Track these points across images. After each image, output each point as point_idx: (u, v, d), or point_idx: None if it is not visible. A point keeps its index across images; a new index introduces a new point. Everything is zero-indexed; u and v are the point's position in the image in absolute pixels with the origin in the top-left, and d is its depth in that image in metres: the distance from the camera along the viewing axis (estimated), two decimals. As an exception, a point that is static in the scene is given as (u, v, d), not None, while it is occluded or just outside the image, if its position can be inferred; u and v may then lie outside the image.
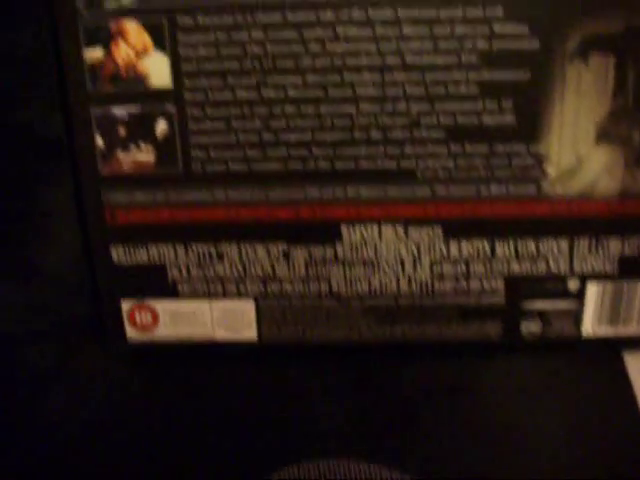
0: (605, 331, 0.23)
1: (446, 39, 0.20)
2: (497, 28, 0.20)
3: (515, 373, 0.24)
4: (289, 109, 0.21)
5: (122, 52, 0.20)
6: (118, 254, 0.23)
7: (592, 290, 0.22)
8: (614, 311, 0.23)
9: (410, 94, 0.20)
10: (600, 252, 0.22)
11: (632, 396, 0.22)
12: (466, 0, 0.19)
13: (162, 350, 0.24)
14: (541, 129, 0.21)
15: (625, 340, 0.23)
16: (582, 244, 0.22)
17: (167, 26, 0.20)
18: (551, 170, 0.21)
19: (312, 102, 0.21)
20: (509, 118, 0.20)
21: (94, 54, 0.20)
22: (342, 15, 0.20)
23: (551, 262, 0.22)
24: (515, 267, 0.22)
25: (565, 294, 0.22)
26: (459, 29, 0.20)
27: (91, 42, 0.20)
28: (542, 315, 0.23)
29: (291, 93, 0.21)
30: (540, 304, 0.23)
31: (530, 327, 0.23)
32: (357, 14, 0.20)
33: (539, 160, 0.21)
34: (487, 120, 0.21)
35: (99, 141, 0.21)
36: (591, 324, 0.23)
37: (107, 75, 0.20)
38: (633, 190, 0.21)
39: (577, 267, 0.22)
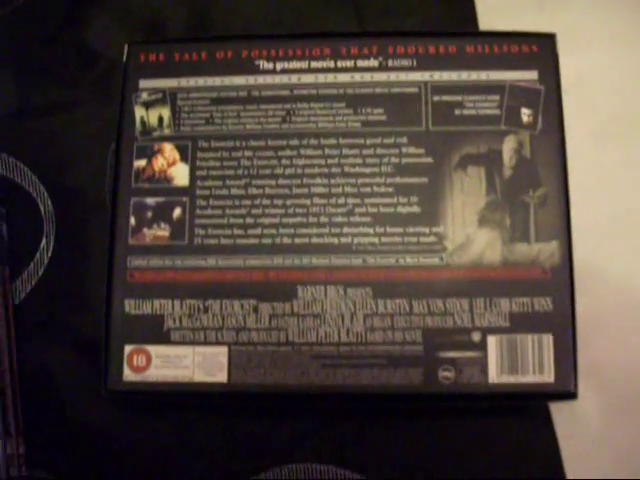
0: (508, 379, 0.41)
1: (371, 157, 0.44)
2: (404, 150, 0.44)
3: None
4: (265, 202, 0.44)
5: (159, 163, 0.45)
6: (130, 306, 0.44)
7: (492, 341, 0.42)
8: (512, 359, 0.42)
9: (347, 192, 0.44)
10: (494, 310, 0.42)
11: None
12: (383, 133, 0.44)
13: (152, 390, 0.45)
14: (439, 216, 0.43)
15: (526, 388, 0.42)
16: (479, 303, 0.42)
17: (191, 147, 0.46)
18: (449, 245, 0.43)
19: (281, 197, 0.44)
20: (416, 208, 0.43)
21: (140, 163, 0.45)
22: (303, 141, 0.45)
23: (456, 318, 0.42)
24: (429, 321, 0.42)
25: (471, 345, 0.42)
26: (379, 150, 0.44)
27: (139, 156, 0.46)
28: (454, 363, 0.42)
29: (267, 191, 0.44)
30: (452, 353, 0.42)
31: (445, 374, 0.42)
32: (313, 141, 0.45)
33: (439, 238, 0.43)
34: (401, 210, 0.44)
35: (132, 220, 0.45)
36: (496, 373, 0.42)
37: (146, 177, 0.45)
38: (512, 260, 0.43)
39: (477, 322, 0.42)
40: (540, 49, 0.45)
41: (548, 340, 0.42)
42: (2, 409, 0.47)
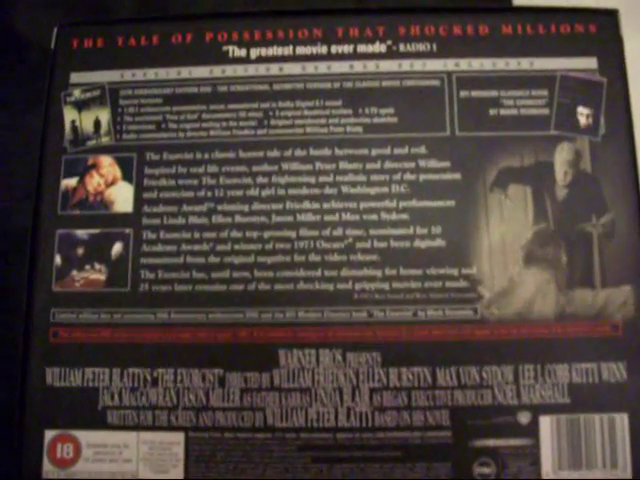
0: (569, 475, 0.31)
1: (377, 172, 0.33)
2: (422, 163, 0.33)
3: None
4: (235, 234, 0.34)
5: (94, 182, 0.35)
6: (53, 376, 0.33)
7: (545, 424, 0.31)
8: (574, 448, 0.31)
9: (346, 221, 0.33)
10: (548, 380, 0.31)
11: None
12: (394, 140, 0.34)
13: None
14: (471, 253, 0.33)
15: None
16: (527, 372, 0.32)
17: (136, 160, 0.35)
18: (485, 292, 0.32)
19: (256, 228, 0.34)
20: (439, 242, 0.33)
21: (69, 183, 0.35)
22: (286, 152, 0.34)
23: (497, 392, 0.31)
24: (459, 397, 0.32)
25: (518, 429, 0.31)
26: (388, 164, 0.34)
27: (69, 174, 0.35)
28: (495, 455, 0.31)
29: (238, 219, 0.34)
30: (491, 441, 0.31)
31: (483, 470, 0.31)
32: (299, 152, 0.34)
33: (472, 283, 0.32)
34: (419, 244, 0.33)
35: (57, 259, 0.34)
36: (552, 467, 0.31)
37: (77, 201, 0.34)
38: (570, 312, 0.32)
39: (525, 398, 0.31)
40: (599, 29, 0.35)
41: (622, 421, 0.31)
42: None
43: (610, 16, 0.35)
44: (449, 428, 0.32)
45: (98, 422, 0.33)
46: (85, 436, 0.33)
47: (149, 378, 0.33)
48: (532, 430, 0.31)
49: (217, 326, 0.33)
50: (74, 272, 0.34)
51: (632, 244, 0.33)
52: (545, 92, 0.34)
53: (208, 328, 0.33)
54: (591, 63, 0.35)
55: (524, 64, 0.35)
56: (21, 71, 0.44)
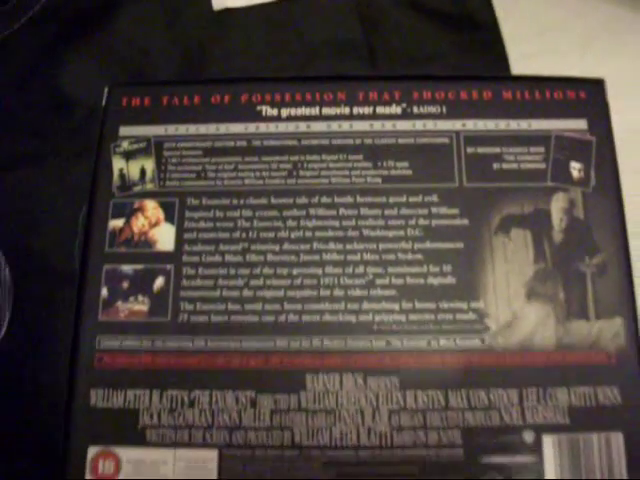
0: None
1: (394, 218, 0.38)
2: (434, 210, 0.38)
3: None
4: (267, 271, 0.38)
5: (139, 223, 0.39)
6: (97, 397, 0.37)
7: (548, 442, 0.35)
8: (575, 464, 0.35)
9: (367, 260, 0.38)
10: (550, 403, 0.35)
11: None
12: (409, 190, 0.39)
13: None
14: (478, 289, 0.37)
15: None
16: (531, 395, 0.36)
17: (178, 205, 0.40)
18: (491, 324, 0.37)
19: (286, 265, 0.38)
20: (450, 279, 0.37)
21: (116, 224, 0.39)
22: (313, 199, 0.39)
23: (504, 413, 0.35)
24: (470, 418, 0.36)
25: (523, 447, 0.35)
26: (404, 211, 0.38)
27: (116, 215, 0.39)
28: (504, 470, 0.35)
29: (269, 258, 0.38)
30: (500, 458, 0.35)
31: None
32: (325, 199, 0.39)
33: (480, 315, 0.37)
34: (432, 281, 0.37)
35: (104, 292, 0.38)
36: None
37: (123, 240, 0.39)
38: (568, 342, 0.36)
39: (529, 418, 0.35)
40: (588, 96, 0.40)
41: (617, 440, 0.35)
42: None
43: (598, 84, 0.41)
44: (461, 446, 0.35)
45: (138, 440, 0.36)
46: (125, 453, 0.36)
47: (186, 400, 0.37)
48: (536, 448, 0.35)
49: (250, 353, 0.37)
50: (119, 303, 0.38)
51: (621, 281, 0.37)
52: (542, 149, 0.40)
53: (241, 354, 0.37)
54: (582, 124, 0.40)
55: (523, 125, 0.40)
56: (67, 125, 0.49)
